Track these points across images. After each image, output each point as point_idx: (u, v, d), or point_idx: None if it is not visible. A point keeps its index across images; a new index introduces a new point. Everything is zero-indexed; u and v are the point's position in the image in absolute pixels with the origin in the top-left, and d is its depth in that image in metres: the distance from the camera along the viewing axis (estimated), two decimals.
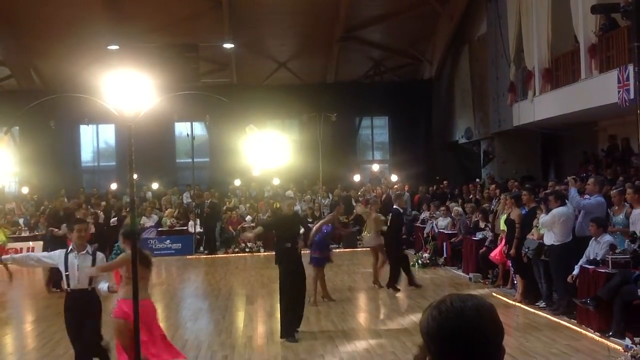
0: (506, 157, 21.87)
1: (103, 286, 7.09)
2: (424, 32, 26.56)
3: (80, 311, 6.97)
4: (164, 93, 7.24)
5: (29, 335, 10.66)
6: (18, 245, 19.96)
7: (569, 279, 9.77)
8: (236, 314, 11.69)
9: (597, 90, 14.63)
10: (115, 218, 19.70)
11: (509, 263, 12.18)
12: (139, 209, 21.18)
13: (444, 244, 16.76)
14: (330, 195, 23.85)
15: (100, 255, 7.37)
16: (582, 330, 9.18)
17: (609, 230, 9.80)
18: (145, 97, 6.25)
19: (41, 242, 19.18)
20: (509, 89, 19.77)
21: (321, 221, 12.49)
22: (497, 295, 12.08)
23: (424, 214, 19.70)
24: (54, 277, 13.85)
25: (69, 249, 7.21)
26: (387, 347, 8.75)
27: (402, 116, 28.41)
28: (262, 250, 20.91)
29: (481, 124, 23.43)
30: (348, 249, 20.05)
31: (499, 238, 12.96)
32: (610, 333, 8.65)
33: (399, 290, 13.10)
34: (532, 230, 11.18)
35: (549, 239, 10.38)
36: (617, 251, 9.29)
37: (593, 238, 9.64)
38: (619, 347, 8.01)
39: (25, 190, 25.18)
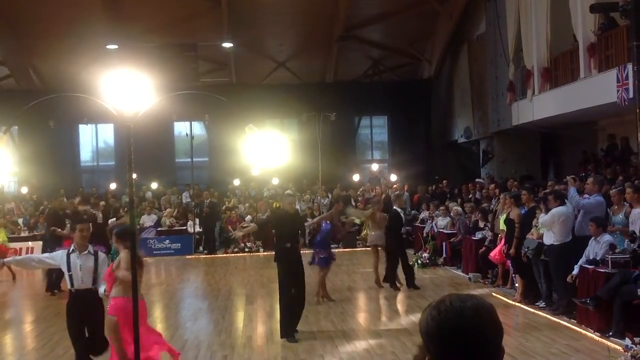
0: (505, 156, 21.87)
1: (100, 289, 7.09)
2: (423, 32, 26.56)
3: (84, 310, 6.99)
4: (163, 93, 7.24)
5: (28, 335, 10.66)
6: (17, 245, 19.94)
7: (568, 278, 9.77)
8: (236, 314, 11.68)
9: (596, 89, 14.63)
10: (115, 218, 19.69)
11: (509, 263, 12.18)
12: (138, 209, 21.18)
13: (444, 243, 16.76)
14: (330, 195, 23.85)
15: (102, 255, 7.38)
16: (581, 330, 9.18)
17: (609, 230, 9.80)
18: (144, 97, 6.24)
19: (40, 242, 19.19)
20: (508, 88, 19.77)
21: (318, 217, 12.45)
22: (497, 295, 12.07)
23: (424, 214, 19.70)
24: (51, 279, 13.83)
25: (71, 249, 7.21)
26: (387, 347, 8.75)
27: (402, 116, 28.41)
28: (261, 250, 20.92)
29: (480, 124, 23.43)
30: (347, 249, 20.04)
31: (499, 238, 12.96)
32: (610, 333, 8.65)
33: (399, 288, 13.11)
34: (532, 230, 11.18)
35: (549, 239, 10.38)
36: (616, 251, 9.29)
37: (593, 238, 9.64)
38: (618, 347, 8.00)
39: (24, 190, 25.18)
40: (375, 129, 30.68)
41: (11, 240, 19.27)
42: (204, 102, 21.41)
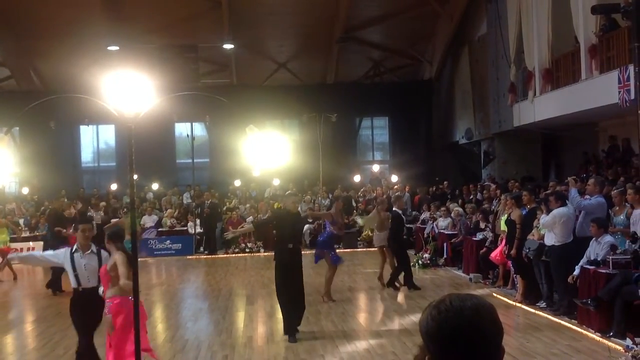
0: (506, 157, 21.86)
1: (101, 288, 7.12)
2: (424, 33, 26.56)
3: (89, 308, 7.01)
4: (164, 94, 7.23)
5: (29, 335, 10.66)
6: (18, 245, 19.95)
7: (569, 279, 9.76)
8: (236, 315, 11.68)
9: (597, 90, 14.62)
10: (116, 219, 19.71)
11: (509, 263, 12.18)
12: (139, 209, 21.19)
13: (445, 244, 16.76)
14: (330, 196, 23.86)
15: (105, 254, 7.40)
16: (582, 331, 9.17)
17: (610, 231, 9.80)
18: (145, 98, 6.24)
19: (41, 243, 19.23)
20: (509, 89, 19.77)
21: (320, 213, 12.40)
22: (498, 296, 12.07)
23: (424, 215, 19.70)
24: (55, 278, 13.84)
25: (74, 249, 7.23)
26: (388, 347, 8.74)
27: (402, 117, 28.41)
28: (262, 250, 20.93)
29: (481, 125, 23.43)
30: (348, 249, 20.04)
31: (500, 238, 12.96)
32: (611, 333, 8.64)
33: (399, 288, 13.11)
34: (533, 231, 11.18)
35: (550, 240, 10.37)
36: (617, 252, 9.29)
37: (594, 238, 9.64)
38: (619, 348, 8.00)
39: (25, 190, 25.20)
40: (376, 130, 30.68)
41: (12, 240, 19.28)
42: (204, 103, 21.42)
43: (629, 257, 9.10)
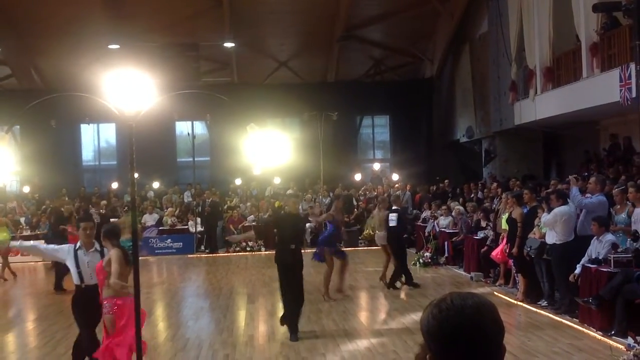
0: (508, 156, 21.84)
1: None
2: (425, 31, 26.53)
3: (91, 306, 7.03)
4: (164, 92, 7.23)
5: (30, 333, 10.67)
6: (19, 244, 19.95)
7: (571, 278, 9.76)
8: (237, 313, 11.68)
9: (598, 89, 14.61)
10: (115, 219, 19.71)
11: (510, 262, 12.18)
12: (139, 208, 21.21)
13: (446, 243, 16.75)
14: (331, 194, 23.86)
15: (107, 252, 7.41)
16: (584, 329, 9.17)
17: (611, 229, 9.79)
18: (146, 96, 6.24)
19: (42, 241, 19.22)
20: (510, 87, 19.74)
21: (322, 216, 12.38)
22: (499, 294, 12.07)
23: (425, 213, 19.70)
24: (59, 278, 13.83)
25: (77, 246, 7.26)
26: (389, 346, 8.74)
27: (403, 115, 28.39)
28: (263, 249, 20.93)
29: (482, 123, 23.41)
30: (349, 248, 20.01)
31: (501, 237, 12.96)
32: (613, 332, 8.64)
33: (399, 288, 13.13)
34: (534, 229, 11.17)
35: (551, 238, 10.37)
36: (619, 250, 9.28)
37: (595, 237, 9.63)
38: (621, 346, 7.99)
39: (26, 189, 25.21)
40: (377, 128, 30.65)
41: (13, 239, 19.27)
42: (205, 101, 21.41)
43: (630, 255, 9.09)
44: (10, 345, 9.99)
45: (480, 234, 14.62)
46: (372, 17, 25.32)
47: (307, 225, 18.34)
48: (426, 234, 18.10)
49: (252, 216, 22.82)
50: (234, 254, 21.01)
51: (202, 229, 22.15)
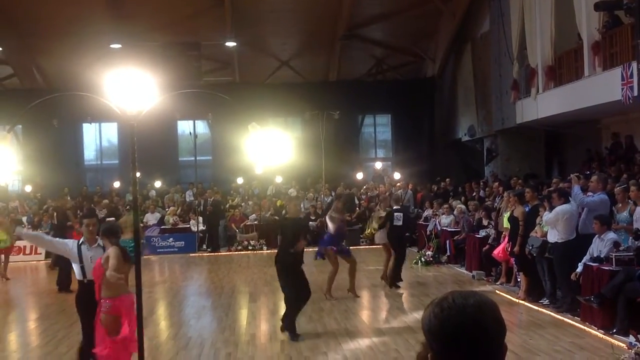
0: (509, 154, 21.83)
1: None
2: (427, 30, 26.52)
3: (94, 301, 7.05)
4: (166, 91, 7.24)
5: (32, 332, 10.68)
6: (21, 243, 19.99)
7: (572, 276, 9.76)
8: (239, 312, 11.69)
9: (600, 87, 14.59)
10: (112, 218, 19.72)
11: (512, 260, 12.17)
12: (141, 207, 21.22)
13: (447, 241, 16.75)
14: (333, 193, 23.86)
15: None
16: (585, 328, 9.17)
17: (613, 228, 9.79)
18: (147, 96, 6.25)
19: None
20: (512, 86, 19.72)
21: (331, 226, 12.33)
22: (501, 293, 12.07)
23: (427, 212, 19.69)
24: (62, 278, 13.81)
25: (81, 241, 7.30)
26: (390, 345, 8.75)
27: (405, 114, 28.38)
28: (265, 248, 20.95)
29: (484, 122, 23.40)
30: (351, 247, 19.99)
31: (502, 236, 12.96)
32: (614, 330, 8.64)
33: (399, 287, 13.14)
34: (536, 228, 11.17)
35: (553, 237, 10.37)
36: (620, 248, 9.28)
37: (597, 235, 9.63)
38: (622, 345, 7.99)
39: (28, 188, 25.23)
40: (378, 127, 30.65)
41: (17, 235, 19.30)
42: (207, 100, 21.43)
43: (632, 254, 9.10)
44: (12, 344, 10.01)
45: (482, 233, 14.62)
46: (374, 16, 25.31)
47: (309, 223, 18.35)
48: (428, 232, 18.10)
49: (254, 215, 22.83)
50: (236, 252, 21.03)
51: (204, 228, 22.16)
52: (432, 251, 16.84)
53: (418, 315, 10.19)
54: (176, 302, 13.20)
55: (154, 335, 9.73)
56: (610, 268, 9.02)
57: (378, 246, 14.79)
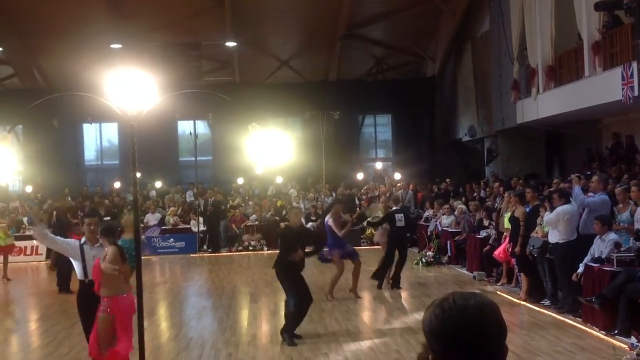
0: (510, 155, 21.82)
1: None
2: (427, 30, 26.52)
3: (95, 299, 7.05)
4: (166, 92, 7.24)
5: (33, 333, 10.67)
6: (22, 243, 20.01)
7: (573, 277, 9.75)
8: (240, 312, 11.68)
9: (600, 87, 14.58)
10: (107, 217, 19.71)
11: (513, 261, 12.16)
12: (142, 208, 21.22)
13: (448, 242, 16.73)
14: (334, 194, 23.86)
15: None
16: (587, 329, 9.16)
17: (614, 228, 9.77)
18: (148, 96, 6.25)
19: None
20: (513, 86, 19.71)
21: (341, 232, 12.30)
22: (502, 294, 12.06)
23: (428, 212, 19.68)
24: (62, 279, 13.80)
25: (83, 241, 7.31)
26: (392, 346, 8.74)
27: (405, 114, 28.39)
28: (265, 248, 20.94)
29: (484, 122, 23.39)
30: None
31: (503, 236, 12.95)
32: (616, 331, 8.63)
33: (401, 288, 13.13)
34: (536, 229, 11.16)
35: (554, 237, 10.36)
36: (622, 249, 9.27)
37: (598, 236, 9.61)
38: (624, 346, 7.98)
39: (29, 189, 25.23)
40: (379, 127, 30.65)
41: (15, 238, 19.29)
42: (207, 101, 21.43)
43: (633, 254, 9.08)
44: (13, 345, 10.01)
45: (483, 233, 14.61)
46: (374, 16, 25.31)
47: (309, 224, 18.34)
48: (428, 233, 18.08)
49: (254, 215, 22.83)
50: (237, 253, 21.03)
51: (204, 229, 22.16)
52: (432, 252, 16.83)
53: (419, 316, 10.17)
54: (177, 302, 13.20)
55: (154, 335, 9.72)
56: (612, 269, 9.00)
57: (379, 247, 14.78)
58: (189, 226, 22.44)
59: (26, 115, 19.47)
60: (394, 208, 13.72)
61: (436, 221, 17.97)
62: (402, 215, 13.44)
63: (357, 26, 25.56)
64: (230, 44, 25.24)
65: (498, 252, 12.88)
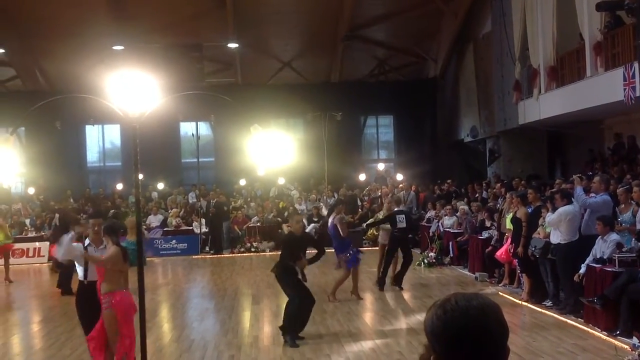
0: (512, 155, 21.82)
1: None
2: (429, 31, 26.52)
3: (94, 300, 7.08)
4: (168, 93, 7.25)
5: (35, 335, 10.69)
6: (24, 245, 20.04)
7: (575, 277, 9.74)
8: (242, 314, 11.68)
9: (602, 88, 14.58)
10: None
11: (515, 262, 12.15)
12: (144, 209, 21.25)
13: (450, 243, 16.73)
14: (336, 195, 23.86)
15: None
16: (589, 330, 9.15)
17: (616, 229, 9.76)
18: (150, 98, 6.27)
19: (47, 243, 19.28)
20: (514, 87, 19.71)
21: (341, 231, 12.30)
22: (504, 295, 12.05)
23: (430, 213, 19.67)
24: (65, 279, 13.80)
25: (87, 243, 7.34)
26: (393, 347, 8.74)
27: (407, 115, 28.38)
28: (267, 250, 20.94)
29: (486, 123, 23.39)
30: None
31: (505, 237, 12.94)
32: (618, 332, 8.62)
33: (402, 288, 13.13)
34: (538, 229, 11.15)
35: (556, 238, 10.35)
36: (623, 250, 9.26)
37: (600, 236, 9.61)
38: (626, 346, 7.97)
39: (31, 191, 25.28)
40: (381, 128, 30.64)
41: (18, 240, 19.34)
42: (209, 102, 21.43)
43: (635, 255, 9.08)
44: (15, 347, 10.02)
45: (485, 234, 14.60)
46: (375, 17, 25.32)
47: (311, 225, 18.35)
48: (431, 234, 18.08)
49: (256, 217, 22.84)
50: (239, 254, 21.03)
51: (206, 230, 22.16)
52: (435, 252, 16.82)
53: (421, 317, 10.18)
54: (179, 304, 13.20)
55: (156, 337, 9.73)
56: (613, 269, 9.00)
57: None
58: (191, 228, 22.44)
59: (28, 117, 19.53)
60: (395, 209, 13.72)
61: (438, 222, 17.96)
62: (403, 216, 13.43)
63: (359, 27, 25.57)
64: (233, 45, 25.25)
65: (500, 253, 12.87)
